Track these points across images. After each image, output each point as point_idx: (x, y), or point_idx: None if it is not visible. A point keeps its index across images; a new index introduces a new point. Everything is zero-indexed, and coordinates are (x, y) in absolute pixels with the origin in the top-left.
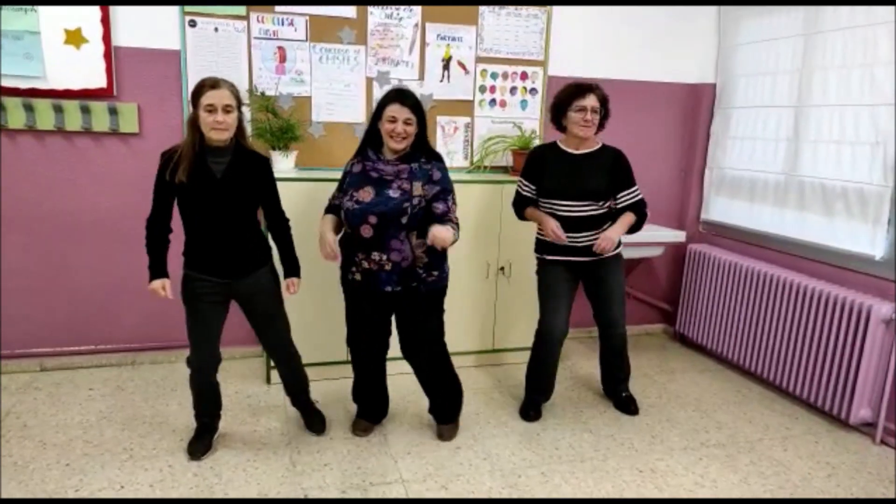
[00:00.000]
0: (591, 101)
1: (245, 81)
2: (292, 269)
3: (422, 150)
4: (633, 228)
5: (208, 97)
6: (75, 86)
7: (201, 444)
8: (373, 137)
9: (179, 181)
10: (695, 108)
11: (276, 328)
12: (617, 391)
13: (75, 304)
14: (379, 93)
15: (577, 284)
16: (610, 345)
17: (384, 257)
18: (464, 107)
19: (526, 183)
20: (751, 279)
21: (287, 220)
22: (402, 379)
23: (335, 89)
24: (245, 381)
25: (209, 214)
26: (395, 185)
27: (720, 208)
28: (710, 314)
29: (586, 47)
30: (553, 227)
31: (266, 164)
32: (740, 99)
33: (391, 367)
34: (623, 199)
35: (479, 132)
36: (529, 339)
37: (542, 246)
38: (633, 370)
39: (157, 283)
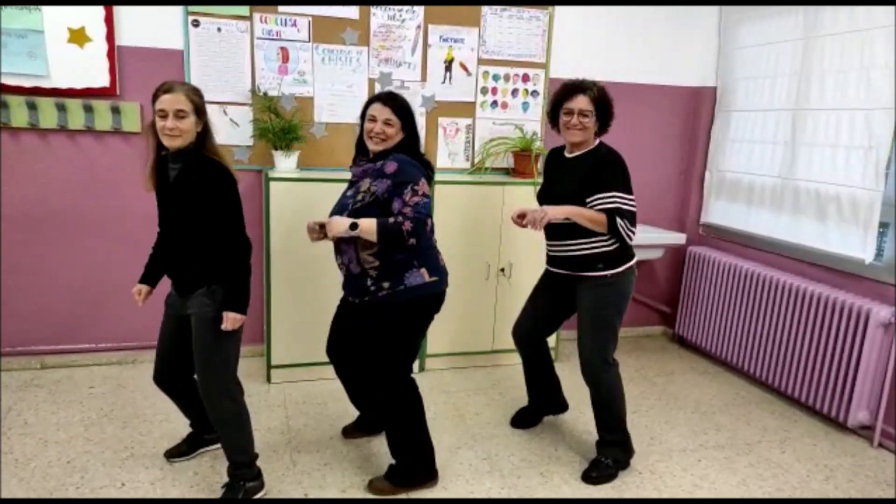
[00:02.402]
0: (579, 103)
1: (248, 81)
2: (227, 299)
3: (401, 150)
4: (611, 235)
5: (160, 102)
6: (78, 85)
7: (176, 447)
8: (359, 141)
9: (147, 189)
10: (695, 110)
11: (198, 359)
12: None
13: (76, 302)
14: None
15: (564, 298)
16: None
17: (342, 260)
18: (465, 108)
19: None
20: (750, 282)
21: (234, 245)
22: None
23: (337, 90)
24: (245, 380)
25: (164, 221)
26: (359, 184)
27: (720, 211)
28: (709, 317)
29: (588, 50)
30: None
31: (215, 172)
32: (740, 102)
33: None
34: (591, 204)
35: (481, 134)
36: None
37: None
38: (632, 371)
39: (135, 288)
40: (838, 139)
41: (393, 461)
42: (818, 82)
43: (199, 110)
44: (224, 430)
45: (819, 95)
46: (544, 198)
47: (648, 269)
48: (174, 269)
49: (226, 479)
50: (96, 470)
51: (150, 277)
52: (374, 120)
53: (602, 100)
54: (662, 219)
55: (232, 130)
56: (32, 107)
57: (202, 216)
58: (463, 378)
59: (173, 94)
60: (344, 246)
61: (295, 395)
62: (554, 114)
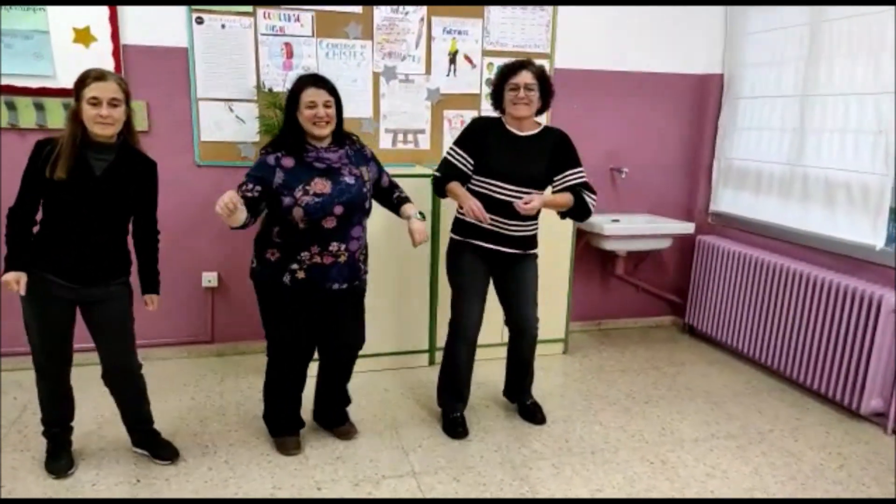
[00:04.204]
0: (523, 77)
1: (253, 78)
2: (153, 284)
3: (342, 134)
4: (574, 213)
5: (92, 89)
6: None
7: (63, 460)
8: (293, 129)
9: (59, 178)
10: (703, 98)
11: (121, 345)
12: (521, 399)
13: None
14: (386, 88)
15: (489, 277)
16: (521, 347)
17: (342, 247)
18: (470, 100)
19: (461, 154)
20: (760, 270)
21: (158, 233)
22: (408, 374)
23: (342, 85)
24: (254, 376)
25: (80, 213)
26: (345, 171)
27: (728, 199)
28: (719, 306)
29: (592, 39)
30: (473, 205)
31: (152, 168)
32: (748, 89)
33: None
34: (562, 181)
35: None
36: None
37: (466, 229)
38: (642, 361)
39: (11, 276)
40: (847, 124)
41: (343, 404)
42: (826, 67)
43: (128, 99)
44: (144, 395)
45: (827, 80)
46: (510, 176)
47: (657, 258)
48: (86, 259)
49: (240, 472)
50: (111, 467)
51: (24, 263)
52: (314, 105)
53: (543, 76)
54: (670, 208)
55: (238, 127)
56: (40, 107)
57: (131, 207)
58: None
59: (106, 81)
60: (358, 231)
61: (305, 391)
62: (498, 92)
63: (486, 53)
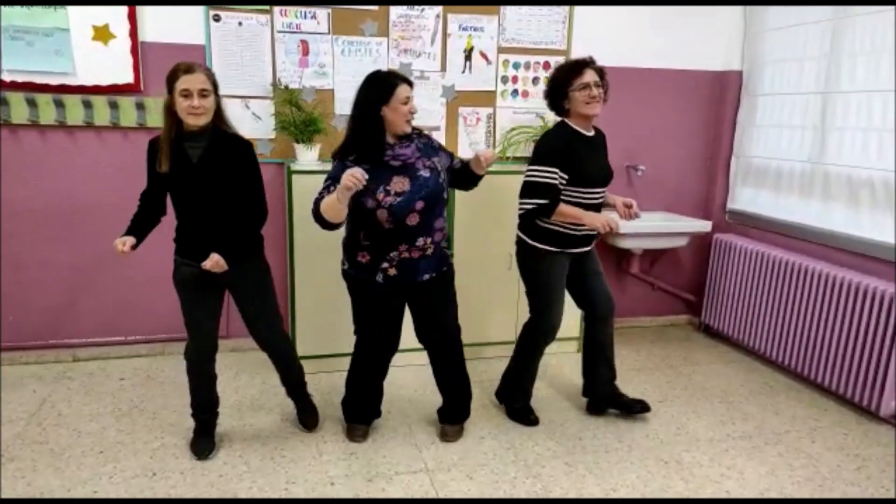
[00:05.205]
0: (591, 75)
1: (269, 75)
2: (223, 247)
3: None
4: None
5: (183, 82)
6: (103, 81)
7: (206, 442)
8: (376, 129)
9: (163, 171)
10: (721, 95)
11: (265, 321)
12: (619, 395)
13: (106, 295)
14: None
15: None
16: (607, 329)
17: (428, 240)
18: (486, 97)
19: (556, 172)
20: (778, 269)
21: (262, 213)
22: (424, 369)
23: (358, 82)
24: (270, 371)
25: (188, 200)
26: (419, 165)
27: (746, 198)
28: (736, 305)
29: (609, 35)
30: (608, 219)
31: (247, 147)
32: (767, 86)
33: (410, 357)
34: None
35: (502, 123)
36: None
37: (560, 239)
38: (658, 360)
39: (119, 239)
40: (870, 122)
41: (454, 406)
42: (849, 64)
43: (216, 88)
44: (294, 362)
45: (850, 77)
46: (600, 181)
47: (673, 257)
48: (210, 242)
49: (254, 466)
50: (128, 460)
51: (137, 232)
52: (408, 101)
53: (603, 72)
54: (687, 206)
55: (254, 124)
56: (60, 104)
57: (234, 187)
58: (486, 368)
59: (195, 73)
60: (440, 223)
61: (321, 386)
62: (562, 92)
63: (501, 50)
